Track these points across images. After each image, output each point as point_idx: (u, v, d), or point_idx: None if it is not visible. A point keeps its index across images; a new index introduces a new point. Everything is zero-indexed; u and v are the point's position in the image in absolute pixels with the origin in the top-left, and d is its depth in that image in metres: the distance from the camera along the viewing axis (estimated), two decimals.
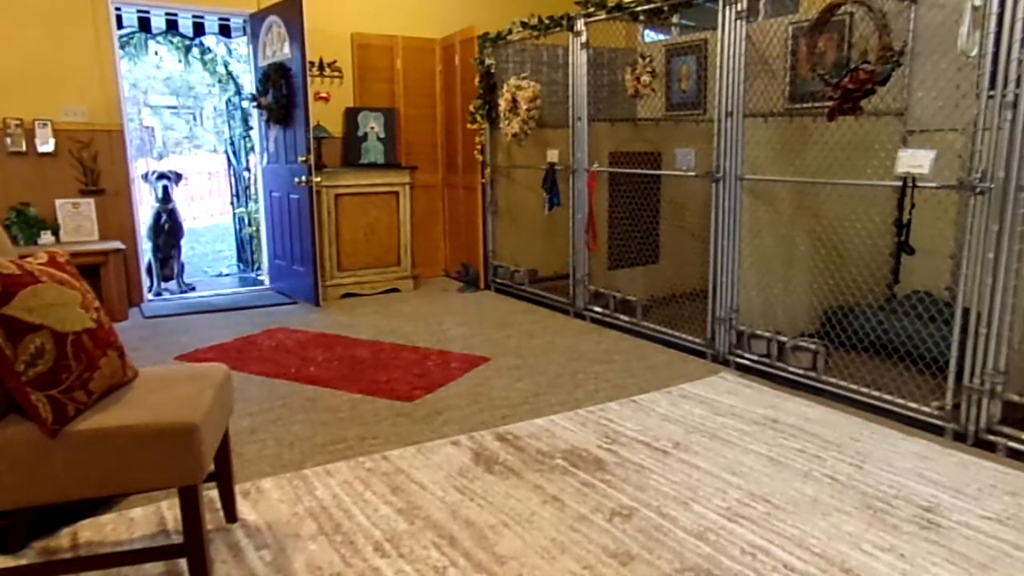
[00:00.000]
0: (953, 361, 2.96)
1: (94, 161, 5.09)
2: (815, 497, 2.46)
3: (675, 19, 5.07)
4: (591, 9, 4.56)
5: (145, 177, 5.77)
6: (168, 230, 5.78)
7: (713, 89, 3.95)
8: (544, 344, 4.39)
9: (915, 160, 3.05)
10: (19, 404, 1.72)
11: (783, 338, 3.66)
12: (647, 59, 4.65)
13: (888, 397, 3.17)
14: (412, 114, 6.21)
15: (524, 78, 5.30)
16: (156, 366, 2.34)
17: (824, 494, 2.47)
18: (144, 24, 5.62)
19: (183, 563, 1.93)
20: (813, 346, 3.50)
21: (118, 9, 5.24)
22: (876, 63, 3.13)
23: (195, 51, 6.90)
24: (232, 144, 7.13)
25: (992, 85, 2.71)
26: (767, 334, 3.72)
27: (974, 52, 2.88)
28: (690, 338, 4.14)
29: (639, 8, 4.27)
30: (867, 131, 3.90)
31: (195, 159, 12.72)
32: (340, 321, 4.94)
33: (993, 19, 2.73)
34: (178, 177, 6.01)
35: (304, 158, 5.14)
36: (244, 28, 5.76)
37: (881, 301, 4.26)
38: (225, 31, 5.89)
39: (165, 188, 5.81)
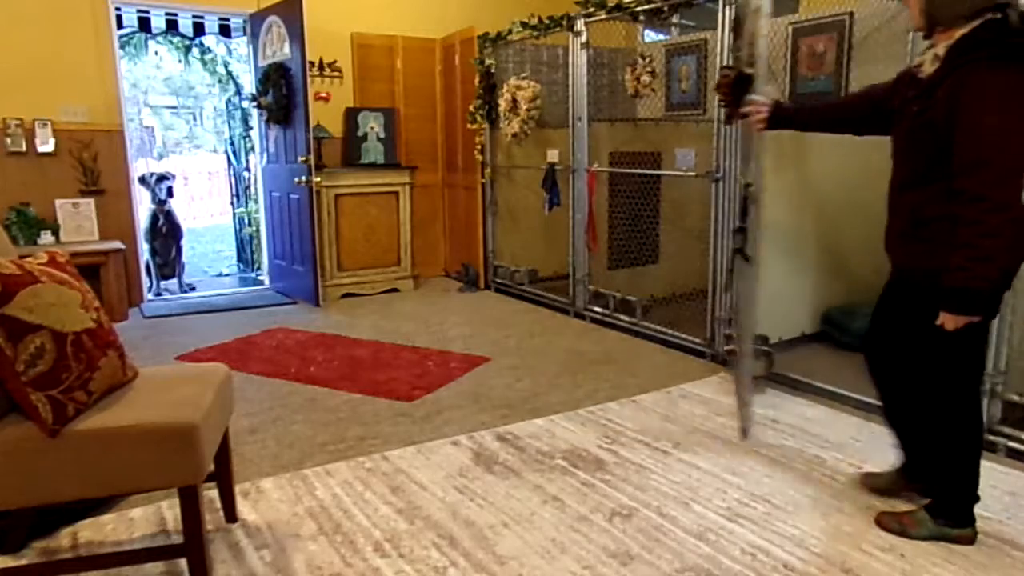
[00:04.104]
0: None
1: (94, 161, 5.09)
2: (815, 497, 2.46)
3: (675, 19, 5.07)
4: (591, 9, 4.56)
5: (142, 180, 5.75)
6: (166, 232, 5.78)
7: (713, 89, 3.94)
8: (544, 344, 4.39)
9: None
10: (19, 404, 1.72)
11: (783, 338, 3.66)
12: (647, 59, 4.65)
13: None
14: (412, 114, 6.20)
15: (524, 78, 5.30)
16: (156, 366, 2.34)
17: (824, 494, 2.47)
18: (144, 24, 5.62)
19: (183, 563, 1.92)
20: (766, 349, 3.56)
21: (118, 9, 5.24)
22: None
23: (195, 51, 6.90)
24: (232, 144, 7.14)
25: None
26: (766, 334, 3.72)
27: None
28: (690, 338, 4.13)
29: (639, 8, 4.27)
30: None
31: (195, 159, 12.72)
32: (340, 321, 4.94)
33: None
34: (173, 178, 6.02)
35: (304, 158, 5.14)
36: (244, 28, 5.76)
37: None
38: (225, 31, 5.89)
39: (170, 188, 5.82)
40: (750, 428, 2.96)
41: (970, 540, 2.16)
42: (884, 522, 2.25)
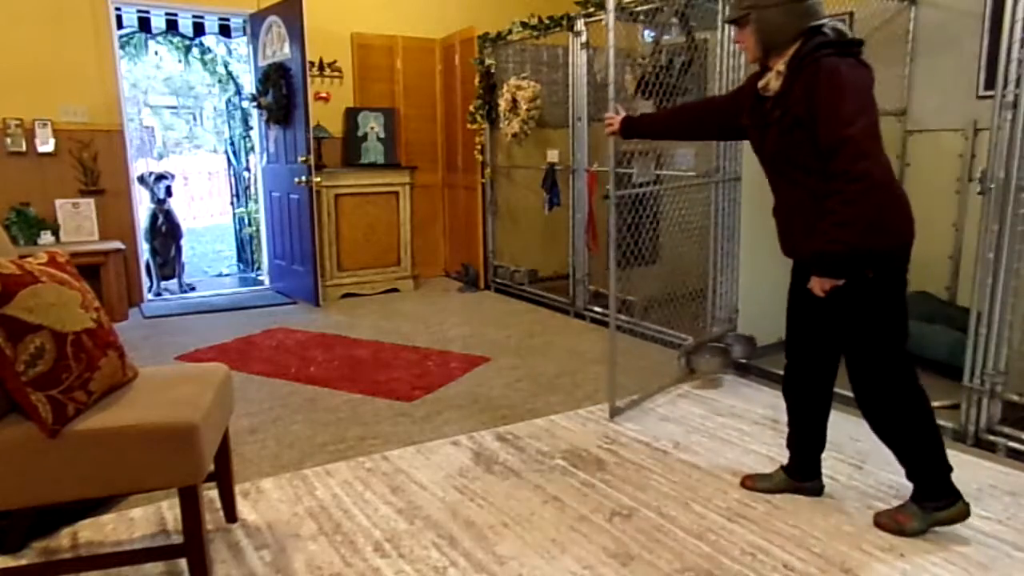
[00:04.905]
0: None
1: (94, 161, 5.09)
2: (815, 497, 2.46)
3: (675, 19, 5.06)
4: (591, 9, 4.56)
5: (141, 179, 5.75)
6: (166, 232, 5.77)
7: (713, 89, 3.95)
8: (544, 344, 4.39)
9: None
10: (19, 404, 1.72)
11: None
12: (647, 59, 4.65)
13: None
14: (412, 114, 6.20)
15: (524, 78, 5.30)
16: (156, 366, 2.34)
17: (824, 494, 2.47)
18: (144, 24, 5.62)
19: (183, 563, 1.92)
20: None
21: (118, 9, 5.24)
22: None
23: (195, 51, 6.90)
24: (232, 144, 7.14)
25: (991, 85, 2.72)
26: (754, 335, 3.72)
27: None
28: (690, 338, 4.12)
29: (639, 8, 4.27)
30: None
31: (195, 159, 12.72)
32: (340, 321, 4.94)
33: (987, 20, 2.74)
34: (172, 177, 6.01)
35: (304, 158, 5.14)
36: (244, 28, 5.76)
37: None
38: (225, 31, 5.89)
39: (168, 188, 5.81)
40: (619, 410, 3.21)
41: (964, 515, 2.19)
42: (882, 522, 2.27)
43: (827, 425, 2.46)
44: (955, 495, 2.20)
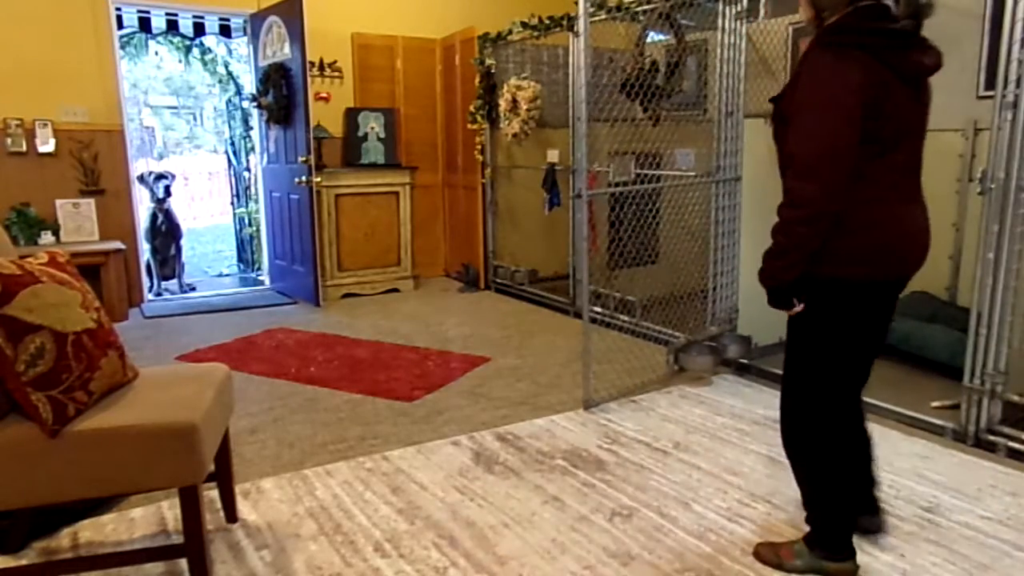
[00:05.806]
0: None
1: (94, 161, 5.09)
2: None
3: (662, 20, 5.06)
4: (591, 9, 4.55)
5: (140, 178, 5.75)
6: (165, 231, 5.77)
7: (713, 89, 3.95)
8: (544, 344, 4.39)
9: None
10: (19, 404, 1.72)
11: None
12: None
13: (887, 397, 3.17)
14: (412, 114, 6.20)
15: (524, 78, 5.30)
16: (156, 366, 2.34)
17: None
18: (144, 24, 5.62)
19: (183, 563, 1.93)
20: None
21: (118, 9, 5.24)
22: None
23: (195, 51, 6.90)
24: (232, 144, 7.14)
25: (991, 85, 2.71)
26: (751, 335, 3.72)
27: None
28: (689, 338, 4.12)
29: (639, 8, 4.27)
30: None
31: (195, 159, 12.72)
32: (340, 321, 4.94)
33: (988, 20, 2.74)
34: (172, 177, 6.01)
35: (304, 158, 5.14)
36: (244, 28, 5.76)
37: None
38: (225, 31, 5.89)
39: (167, 187, 5.80)
40: (591, 400, 3.30)
41: (850, 575, 1.97)
42: (762, 553, 2.09)
43: None
44: (850, 552, 1.97)
